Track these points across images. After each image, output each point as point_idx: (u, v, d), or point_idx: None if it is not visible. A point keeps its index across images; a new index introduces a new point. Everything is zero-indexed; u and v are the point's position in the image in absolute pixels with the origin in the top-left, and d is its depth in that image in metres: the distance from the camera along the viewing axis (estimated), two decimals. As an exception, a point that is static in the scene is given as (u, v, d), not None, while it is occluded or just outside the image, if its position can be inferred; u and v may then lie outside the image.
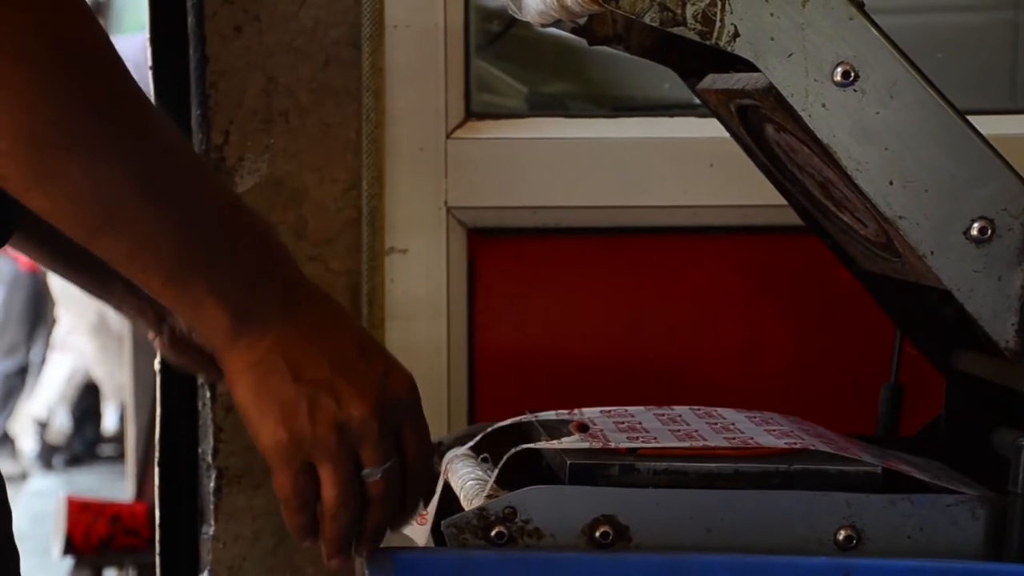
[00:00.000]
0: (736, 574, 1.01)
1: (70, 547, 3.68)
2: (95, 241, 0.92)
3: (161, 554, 1.63)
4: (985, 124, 1.60)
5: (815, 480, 1.08)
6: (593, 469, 1.07)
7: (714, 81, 1.20)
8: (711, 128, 1.64)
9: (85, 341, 5.68)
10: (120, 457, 5.75)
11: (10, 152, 0.88)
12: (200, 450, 1.61)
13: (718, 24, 1.05)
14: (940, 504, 1.06)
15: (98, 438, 6.40)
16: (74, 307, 5.61)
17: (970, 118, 1.64)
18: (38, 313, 6.58)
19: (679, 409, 1.22)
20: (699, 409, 1.22)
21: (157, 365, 1.63)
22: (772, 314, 1.63)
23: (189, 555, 1.62)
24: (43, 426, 6.33)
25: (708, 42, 1.04)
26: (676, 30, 1.05)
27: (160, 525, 1.62)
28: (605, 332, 1.64)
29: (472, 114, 1.60)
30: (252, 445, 1.60)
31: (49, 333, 6.40)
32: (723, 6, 1.04)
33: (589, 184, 1.61)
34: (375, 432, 0.95)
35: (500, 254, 1.62)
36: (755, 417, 1.20)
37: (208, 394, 1.60)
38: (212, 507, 1.60)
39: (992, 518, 1.05)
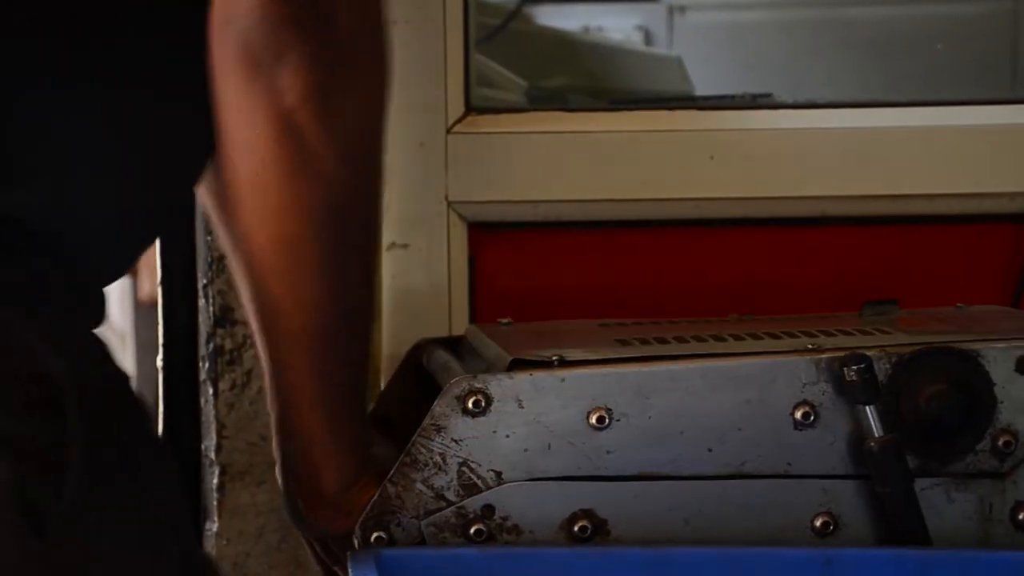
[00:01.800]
0: (718, 566, 1.02)
1: (75, 545, 3.67)
2: (323, 344, 1.07)
3: (165, 551, 1.63)
4: (986, 114, 1.61)
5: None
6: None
7: None
8: (711, 121, 1.64)
9: (88, 339, 5.68)
10: (124, 454, 5.75)
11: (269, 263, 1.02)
12: (203, 447, 1.61)
13: (483, 481, 1.09)
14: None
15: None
16: (77, 305, 5.60)
17: (971, 108, 1.64)
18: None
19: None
20: None
21: (159, 362, 1.63)
22: (773, 307, 1.63)
23: (193, 552, 1.62)
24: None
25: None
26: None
27: (164, 522, 1.62)
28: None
29: (472, 108, 1.60)
30: (255, 442, 1.61)
31: (52, 331, 6.39)
32: (470, 472, 1.09)
33: (590, 178, 1.61)
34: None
35: (501, 248, 1.62)
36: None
37: (211, 391, 1.60)
38: (215, 504, 1.60)
39: (905, 511, 1.07)
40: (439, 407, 1.08)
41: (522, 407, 1.08)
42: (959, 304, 1.38)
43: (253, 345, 1.59)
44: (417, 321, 1.60)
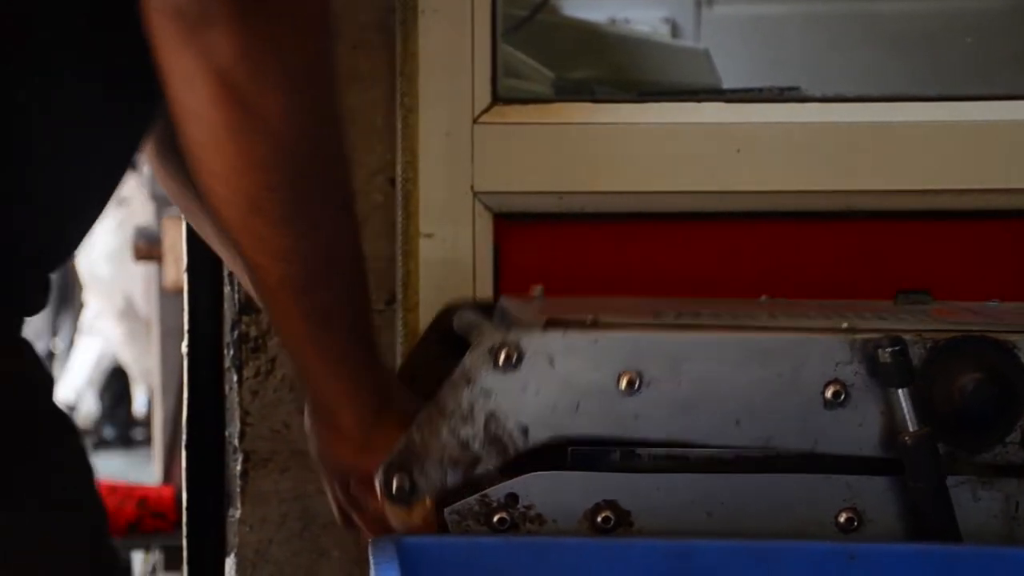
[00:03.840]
0: (741, 559, 1.01)
1: (97, 530, 3.68)
2: (307, 293, 1.06)
3: (188, 537, 1.63)
4: (1014, 109, 1.60)
5: (815, 463, 1.08)
6: (594, 455, 1.08)
7: None
8: (738, 113, 1.64)
9: (112, 326, 5.71)
10: (148, 441, 5.78)
11: (247, 221, 1.02)
12: (227, 434, 1.62)
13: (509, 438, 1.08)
14: None
15: (127, 422, 6.42)
16: (101, 292, 5.63)
17: (1000, 103, 1.63)
18: (65, 298, 6.60)
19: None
20: None
21: (184, 349, 1.64)
22: (800, 300, 1.63)
23: (216, 538, 1.63)
24: (71, 410, 6.37)
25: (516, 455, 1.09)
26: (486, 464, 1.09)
27: (187, 508, 1.63)
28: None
29: (499, 99, 1.60)
30: (278, 429, 1.61)
31: (77, 318, 6.42)
32: (497, 425, 1.08)
33: (616, 169, 1.60)
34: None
35: (526, 239, 1.62)
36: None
37: (235, 378, 1.60)
38: (239, 490, 1.60)
39: (937, 507, 1.06)
40: (471, 358, 1.08)
41: (553, 365, 1.08)
42: (992, 300, 1.37)
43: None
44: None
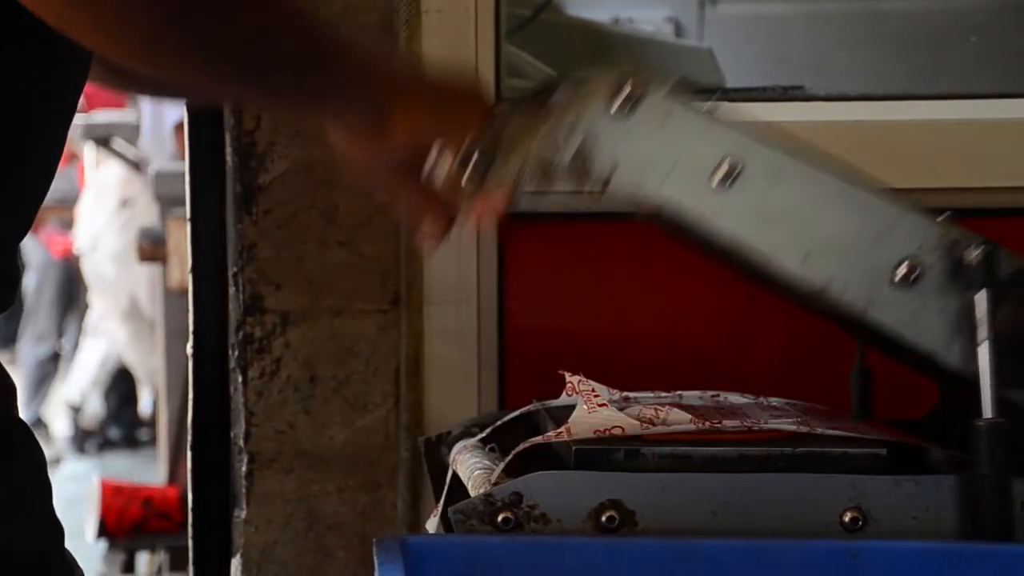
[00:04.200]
0: (745, 558, 1.01)
1: (103, 530, 3.70)
2: (226, 90, 1.10)
3: (193, 538, 1.63)
4: (1019, 108, 1.60)
5: (820, 462, 1.08)
6: (599, 454, 1.08)
7: None
8: (742, 113, 1.63)
9: (117, 326, 5.71)
10: (153, 442, 5.78)
11: (133, 29, 0.99)
12: (232, 434, 1.62)
13: (594, 169, 1.08)
14: (945, 485, 1.07)
15: (133, 423, 6.43)
16: (106, 293, 5.63)
17: (1004, 101, 1.63)
18: (70, 299, 6.61)
19: (687, 395, 1.23)
20: (706, 394, 1.23)
21: (189, 350, 1.64)
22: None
23: (221, 539, 1.63)
24: (76, 411, 6.37)
25: (590, 189, 1.09)
26: (558, 183, 1.10)
27: (192, 509, 1.63)
28: (636, 317, 1.64)
29: (502, 99, 1.60)
30: (283, 430, 1.61)
31: (82, 319, 6.43)
32: (591, 152, 1.08)
33: (619, 169, 1.60)
34: None
35: (531, 238, 1.62)
36: (762, 403, 1.20)
37: (240, 379, 1.60)
38: (244, 491, 1.60)
39: (999, 499, 1.06)
40: (595, 82, 1.09)
41: (664, 126, 1.08)
42: None
43: (282, 334, 1.60)
44: (445, 310, 1.60)
